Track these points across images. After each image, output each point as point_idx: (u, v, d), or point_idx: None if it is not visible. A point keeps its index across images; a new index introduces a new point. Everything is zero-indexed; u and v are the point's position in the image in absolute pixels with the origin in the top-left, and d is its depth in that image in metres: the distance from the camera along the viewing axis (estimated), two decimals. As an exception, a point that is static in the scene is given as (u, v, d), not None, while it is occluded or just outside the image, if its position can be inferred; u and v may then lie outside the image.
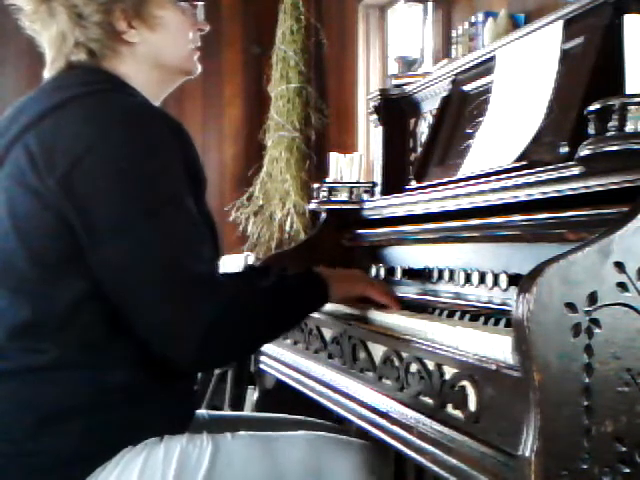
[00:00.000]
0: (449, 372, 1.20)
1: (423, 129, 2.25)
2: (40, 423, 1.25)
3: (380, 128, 2.36)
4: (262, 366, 2.14)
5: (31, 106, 1.33)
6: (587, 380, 0.98)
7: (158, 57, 1.42)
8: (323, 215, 2.34)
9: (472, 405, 1.12)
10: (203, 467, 1.29)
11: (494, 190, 1.55)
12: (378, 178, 2.35)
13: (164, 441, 1.30)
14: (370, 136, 3.62)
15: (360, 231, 2.20)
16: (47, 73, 1.42)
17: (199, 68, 1.51)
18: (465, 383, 1.14)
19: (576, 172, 1.30)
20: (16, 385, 1.27)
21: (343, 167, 2.42)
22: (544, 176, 1.39)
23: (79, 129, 1.26)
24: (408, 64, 2.74)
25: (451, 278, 1.66)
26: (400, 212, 1.97)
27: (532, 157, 1.54)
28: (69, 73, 1.38)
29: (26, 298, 1.27)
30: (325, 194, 2.33)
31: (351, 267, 2.05)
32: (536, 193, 1.42)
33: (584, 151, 1.19)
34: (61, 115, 1.28)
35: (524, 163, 1.52)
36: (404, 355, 1.34)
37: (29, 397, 1.26)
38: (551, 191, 1.38)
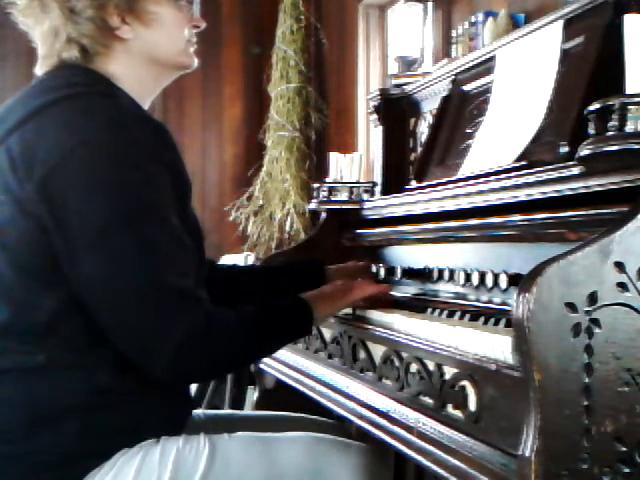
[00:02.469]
0: (449, 372, 1.20)
1: (423, 129, 2.25)
2: (36, 423, 1.24)
3: (380, 128, 2.36)
4: (262, 366, 2.14)
5: (17, 108, 1.31)
6: (587, 380, 0.98)
7: (152, 53, 1.40)
8: (323, 215, 2.34)
9: (472, 405, 1.12)
10: (200, 469, 1.28)
11: (494, 190, 1.55)
12: (378, 178, 2.35)
13: (160, 442, 1.30)
14: (370, 136, 3.62)
15: (360, 231, 2.20)
16: (38, 69, 1.39)
17: (196, 62, 1.47)
18: (465, 383, 1.14)
19: (576, 172, 1.29)
20: (10, 385, 1.26)
21: (343, 167, 2.42)
22: (544, 176, 1.39)
23: (60, 134, 1.24)
24: (408, 64, 2.73)
25: (451, 278, 1.66)
26: (400, 212, 1.97)
27: (532, 157, 1.54)
28: (57, 73, 1.35)
29: (10, 304, 1.26)
30: (325, 194, 2.33)
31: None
32: (536, 193, 1.42)
33: (584, 151, 1.19)
34: (43, 118, 1.26)
35: (524, 163, 1.52)
36: (404, 355, 1.34)
37: (24, 397, 1.25)
38: (551, 191, 1.38)
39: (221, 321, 1.27)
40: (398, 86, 2.40)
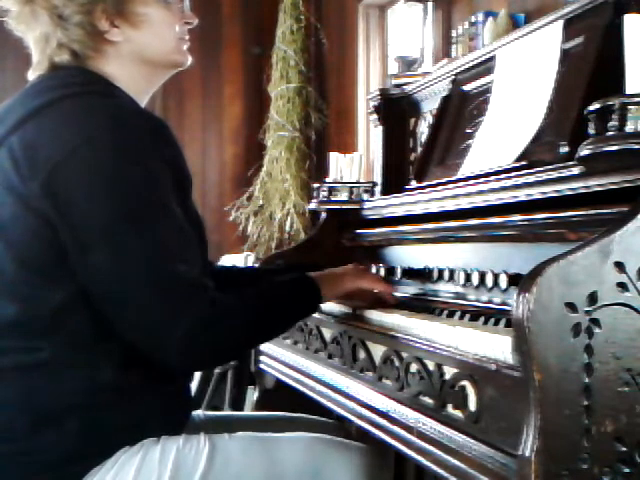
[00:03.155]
0: (449, 372, 1.20)
1: (423, 129, 2.25)
2: (37, 422, 1.25)
3: (380, 128, 2.36)
4: (262, 366, 2.14)
5: (15, 109, 1.32)
6: (587, 380, 0.98)
7: (144, 54, 1.41)
8: (323, 215, 2.34)
9: (472, 405, 1.12)
10: (200, 468, 1.29)
11: (493, 190, 1.55)
12: (378, 178, 2.35)
13: (161, 441, 1.30)
14: (370, 136, 3.62)
15: (360, 231, 2.20)
16: (31, 74, 1.41)
17: (190, 59, 1.48)
18: (465, 383, 1.14)
19: (576, 172, 1.30)
20: (12, 384, 1.27)
21: (343, 167, 2.42)
22: (544, 176, 1.39)
23: (60, 133, 1.25)
24: (408, 64, 2.73)
25: (451, 278, 1.66)
26: (400, 212, 1.97)
27: (532, 157, 1.54)
28: (53, 74, 1.37)
29: (14, 299, 1.27)
30: (325, 194, 2.33)
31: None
32: (536, 193, 1.42)
33: (584, 151, 1.19)
34: (43, 118, 1.27)
35: (524, 163, 1.52)
36: (404, 355, 1.34)
37: (26, 395, 1.26)
38: (551, 191, 1.38)
39: (226, 309, 1.28)
40: (398, 86, 2.40)
